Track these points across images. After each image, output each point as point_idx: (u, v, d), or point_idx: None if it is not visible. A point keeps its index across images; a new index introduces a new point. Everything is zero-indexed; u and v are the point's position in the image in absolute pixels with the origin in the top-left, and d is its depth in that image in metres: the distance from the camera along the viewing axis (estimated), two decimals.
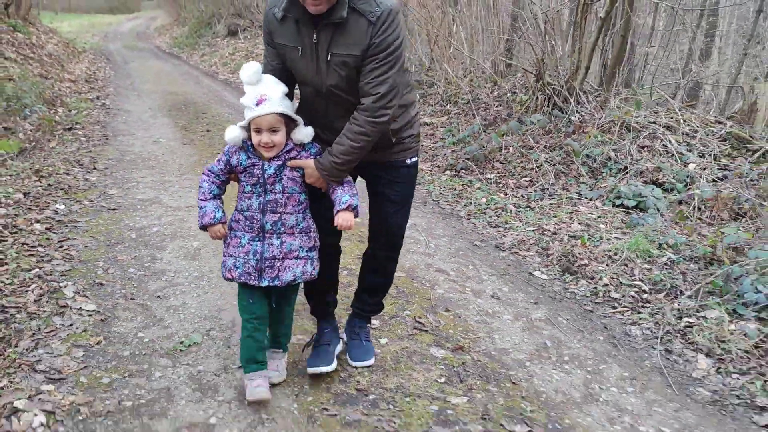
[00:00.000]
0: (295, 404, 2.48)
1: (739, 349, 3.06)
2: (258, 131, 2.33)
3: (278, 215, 2.42)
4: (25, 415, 2.29)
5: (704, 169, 5.72)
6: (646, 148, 6.03)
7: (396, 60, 2.27)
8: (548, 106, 6.91)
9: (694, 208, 4.87)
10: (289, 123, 2.37)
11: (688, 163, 5.82)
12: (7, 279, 3.25)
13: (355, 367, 2.73)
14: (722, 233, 4.17)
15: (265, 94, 2.31)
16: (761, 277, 3.56)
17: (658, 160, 5.78)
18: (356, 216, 2.42)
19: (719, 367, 2.95)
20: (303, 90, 2.49)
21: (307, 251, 2.48)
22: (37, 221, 4.11)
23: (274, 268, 2.42)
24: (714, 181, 5.56)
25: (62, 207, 4.46)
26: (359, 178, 2.63)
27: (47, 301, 3.10)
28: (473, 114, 7.44)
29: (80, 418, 2.31)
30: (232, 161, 2.42)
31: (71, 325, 2.94)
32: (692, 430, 2.49)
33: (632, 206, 5.16)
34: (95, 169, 5.58)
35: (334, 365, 2.65)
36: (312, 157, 2.41)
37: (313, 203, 2.52)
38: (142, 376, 2.61)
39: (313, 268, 2.50)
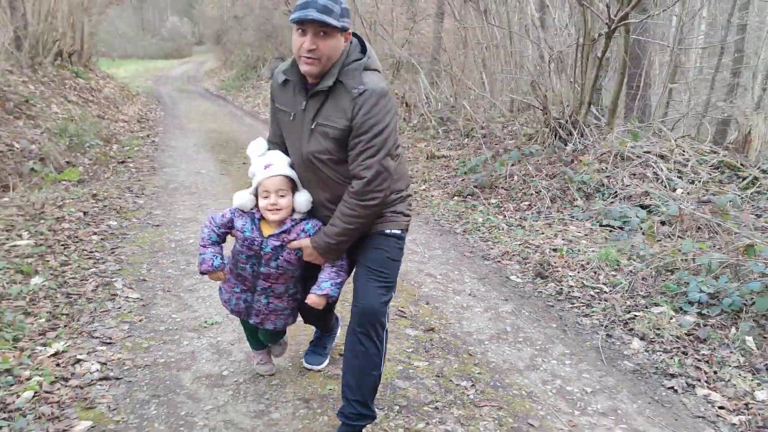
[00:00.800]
0: (290, 363, 3.20)
1: (671, 335, 3.65)
2: (265, 195, 2.47)
3: (269, 284, 2.62)
4: (85, 363, 3.05)
5: (689, 193, 6.27)
6: (637, 176, 6.62)
7: (382, 145, 2.29)
8: (554, 138, 7.58)
9: (666, 225, 5.44)
10: (294, 190, 2.52)
11: (676, 188, 6.38)
12: (71, 274, 4.07)
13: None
14: (681, 245, 4.74)
15: (272, 161, 2.50)
16: (706, 280, 4.13)
17: (647, 186, 6.36)
18: (327, 303, 2.57)
19: (648, 348, 3.54)
20: (291, 157, 2.55)
21: (290, 311, 2.76)
22: (94, 233, 4.97)
23: (259, 316, 2.70)
24: (700, 203, 6.11)
25: (114, 223, 5.33)
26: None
27: (101, 291, 3.91)
28: (487, 146, 8.14)
29: (125, 367, 3.07)
30: (236, 224, 2.56)
31: (120, 308, 3.73)
32: (610, 390, 3.11)
33: (617, 226, 5.75)
34: (143, 194, 6.48)
35: (324, 364, 3.14)
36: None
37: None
38: (173, 344, 3.36)
39: (294, 319, 2.82)
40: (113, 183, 6.87)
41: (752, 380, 3.19)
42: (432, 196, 7.04)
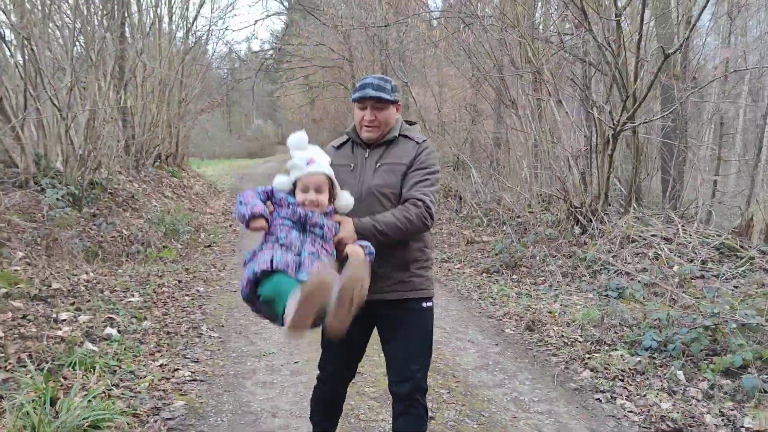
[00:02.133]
0: None
1: (617, 369, 4.79)
2: (305, 190, 2.49)
3: (316, 249, 2.41)
4: (180, 371, 4.51)
5: (680, 268, 7.32)
6: (640, 255, 7.74)
7: (435, 182, 2.74)
8: (574, 224, 8.82)
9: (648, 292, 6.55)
10: (332, 189, 2.56)
11: (673, 266, 7.45)
12: (170, 320, 5.62)
13: None
14: (647, 305, 5.86)
15: (314, 157, 2.54)
16: (657, 332, 5.24)
17: (647, 263, 7.47)
18: (366, 258, 2.50)
19: (594, 376, 4.69)
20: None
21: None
22: (187, 295, 6.55)
23: (313, 263, 2.30)
24: (692, 278, 7.16)
25: (202, 288, 6.91)
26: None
27: (191, 331, 5.42)
28: (517, 232, 9.44)
29: (207, 375, 4.50)
30: (277, 195, 2.53)
31: (204, 342, 5.21)
32: (552, 400, 4.28)
33: (614, 296, 6.87)
34: (224, 269, 8.10)
35: None
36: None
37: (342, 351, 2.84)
38: (241, 364, 4.78)
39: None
40: (201, 261, 8.55)
41: (665, 398, 4.29)
42: (464, 273, 8.35)
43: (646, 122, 8.81)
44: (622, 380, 4.61)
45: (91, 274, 6.54)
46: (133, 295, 6.17)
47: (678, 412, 4.04)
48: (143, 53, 13.46)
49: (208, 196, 16.68)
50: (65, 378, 4.02)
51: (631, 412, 4.11)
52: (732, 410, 4.09)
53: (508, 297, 6.92)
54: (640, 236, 8.08)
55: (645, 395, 4.32)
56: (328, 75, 25.77)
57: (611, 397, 4.33)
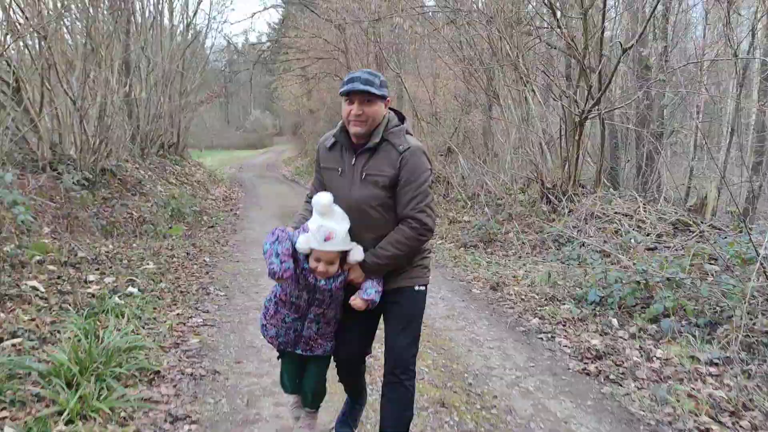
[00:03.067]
0: None
1: (562, 317, 5.72)
2: (317, 260, 2.75)
3: (322, 310, 2.91)
4: (193, 318, 5.45)
5: (639, 242, 8.26)
6: (602, 229, 8.67)
7: (428, 190, 2.82)
8: (545, 203, 9.75)
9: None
10: (345, 253, 2.81)
11: (630, 238, 8.38)
12: (182, 282, 6.57)
13: None
14: (594, 267, 6.80)
15: (334, 231, 2.71)
16: (600, 289, 6.17)
17: (606, 236, 8.40)
18: (369, 307, 2.86)
19: (541, 322, 5.63)
20: (338, 204, 2.83)
21: (333, 335, 3.06)
22: (195, 264, 7.50)
23: (308, 344, 2.99)
24: (648, 249, 8.09)
25: (208, 259, 7.86)
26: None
27: (201, 291, 6.36)
28: (498, 212, 10.37)
29: (217, 321, 5.44)
30: (297, 254, 2.82)
31: (212, 299, 6.15)
32: (503, 338, 5.22)
33: (575, 264, 7.80)
34: (227, 244, 9.05)
35: None
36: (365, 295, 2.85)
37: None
38: (244, 314, 5.72)
39: (332, 346, 3.08)
40: (206, 238, 9.50)
41: (596, 338, 5.23)
42: (444, 247, 9.29)
43: (608, 111, 9.72)
44: (564, 325, 5.56)
45: (110, 247, 7.47)
46: (148, 264, 7.10)
47: (603, 346, 4.99)
48: (147, 48, 14.34)
49: (208, 184, 17.60)
50: (100, 321, 4.96)
51: (565, 347, 5.05)
52: (649, 345, 5.03)
53: (480, 265, 7.87)
54: (603, 213, 9.02)
55: (580, 335, 5.27)
56: (324, 66, 26.58)
57: (551, 336, 5.28)
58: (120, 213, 9.55)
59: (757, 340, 4.83)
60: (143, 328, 4.99)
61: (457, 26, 11.97)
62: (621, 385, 4.33)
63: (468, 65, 13.10)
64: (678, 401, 3.99)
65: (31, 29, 9.66)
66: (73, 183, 9.27)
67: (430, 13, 15.34)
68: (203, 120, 38.50)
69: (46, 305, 5.14)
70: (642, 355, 4.84)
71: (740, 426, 3.75)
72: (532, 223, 9.35)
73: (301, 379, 3.17)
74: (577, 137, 9.40)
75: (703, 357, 4.70)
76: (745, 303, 5.01)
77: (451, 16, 11.99)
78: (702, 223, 8.89)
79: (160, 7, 16.65)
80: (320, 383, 3.19)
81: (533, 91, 10.37)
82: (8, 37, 9.08)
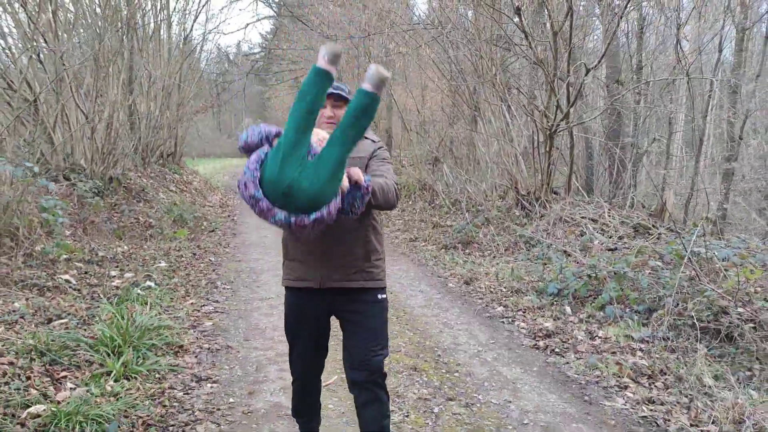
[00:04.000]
0: None
1: (523, 306, 6.69)
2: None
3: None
4: (205, 307, 6.40)
5: (602, 243, 9.25)
6: (568, 232, 9.66)
7: (391, 169, 3.07)
8: (520, 209, 10.74)
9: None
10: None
11: (594, 240, 9.37)
12: (191, 278, 7.50)
13: None
14: (554, 264, 7.78)
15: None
16: (558, 283, 7.15)
17: (572, 239, 9.39)
18: (362, 186, 2.68)
19: (504, 311, 6.60)
20: None
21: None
22: (201, 263, 8.44)
23: None
24: (609, 249, 9.07)
25: (213, 258, 8.81)
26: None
27: (210, 285, 7.31)
28: (476, 216, 11.35)
29: (226, 308, 6.38)
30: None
31: (220, 291, 7.09)
32: (470, 323, 6.18)
33: (541, 262, 8.77)
34: (229, 246, 10.00)
35: None
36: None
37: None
38: (249, 304, 6.66)
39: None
40: (209, 241, 10.44)
41: (550, 322, 6.20)
42: (426, 248, 10.27)
43: (575, 124, 10.72)
44: (524, 312, 6.53)
45: (125, 248, 8.40)
46: (160, 263, 8.04)
47: (554, 327, 5.97)
48: (149, 63, 15.28)
49: (205, 191, 18.52)
50: (128, 308, 5.89)
51: (522, 328, 6.03)
52: (594, 327, 6.01)
53: (456, 264, 8.85)
54: (571, 218, 10.01)
55: (536, 320, 6.25)
56: None
57: (512, 321, 6.26)
58: (128, 218, 10.47)
59: (683, 323, 5.81)
60: (164, 313, 5.92)
61: (440, 44, 12.96)
62: (563, 357, 5.30)
63: (452, 80, 14.12)
64: (606, 367, 4.96)
65: (47, 49, 10.59)
66: (85, 190, 10.20)
67: (420, 25, 16.36)
68: (196, 128, 39.38)
69: (79, 295, 6.07)
70: (586, 335, 5.81)
71: (654, 386, 4.72)
72: (507, 226, 10.33)
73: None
74: (547, 149, 10.40)
75: (636, 336, 5.68)
76: (673, 292, 5.99)
77: (435, 35, 12.98)
78: (660, 226, 9.90)
79: (158, 22, 17.57)
80: None
81: (509, 106, 11.37)
82: (23, 57, 10.02)
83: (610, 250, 9.06)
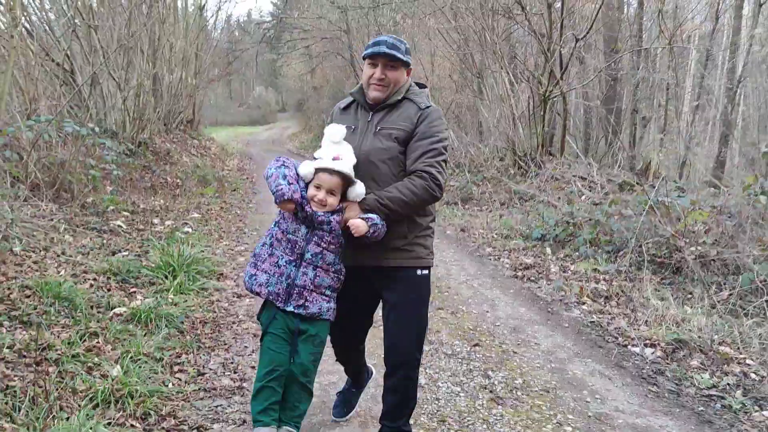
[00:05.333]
0: None
1: (509, 248, 7.85)
2: (317, 187, 2.74)
3: (321, 249, 2.79)
4: (236, 247, 7.60)
5: (588, 198, 10.35)
6: (555, 187, 10.77)
7: (443, 149, 2.79)
8: (516, 168, 11.85)
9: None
10: (346, 187, 2.79)
11: (582, 195, 10.48)
12: (223, 225, 8.71)
13: None
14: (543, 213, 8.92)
15: (342, 155, 2.76)
16: (542, 229, 8.28)
17: (561, 194, 10.50)
18: (368, 234, 2.71)
19: (495, 252, 7.76)
20: None
21: (332, 291, 2.89)
22: (229, 215, 9.66)
23: (302, 296, 2.80)
24: (593, 204, 10.18)
25: (239, 211, 10.03)
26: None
27: (239, 231, 8.52)
28: (477, 176, 12.47)
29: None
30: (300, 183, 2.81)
31: (248, 236, 8.30)
32: (461, 257, 7.35)
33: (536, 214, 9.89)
34: (251, 202, 11.22)
35: (349, 416, 3.45)
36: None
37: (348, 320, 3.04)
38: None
39: (334, 310, 2.92)
40: (233, 198, 11.66)
41: (531, 258, 7.36)
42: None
43: (568, 90, 11.77)
44: (510, 252, 7.70)
45: (161, 201, 9.61)
46: (193, 214, 9.25)
47: (533, 262, 7.14)
48: (171, 34, 16.38)
49: (223, 157, 19.70)
50: (174, 245, 7.09)
51: (506, 263, 7.21)
52: (567, 263, 7.16)
53: (456, 216, 10.01)
54: (562, 176, 11.11)
55: (519, 257, 7.41)
56: (328, 45, 28.50)
57: (498, 258, 7.44)
58: (158, 177, 11.68)
59: (643, 259, 6.95)
60: (204, 251, 7.13)
61: (445, 14, 13.96)
62: (536, 283, 6.49)
63: (458, 49, 15.14)
64: (570, 289, 6.13)
65: (85, 23, 11.69)
66: (120, 153, 11.39)
67: None
68: (208, 97, 40.39)
69: (131, 237, 7.28)
70: (559, 269, 6.98)
71: (608, 304, 5.88)
72: (504, 184, 11.45)
73: (285, 370, 2.87)
74: (542, 113, 11.47)
75: (601, 269, 6.84)
76: (636, 234, 7.12)
77: (440, 5, 13.97)
78: (643, 183, 10.98)
79: None
80: (314, 363, 2.95)
81: (508, 73, 12.42)
82: (61, 30, 11.14)
83: (595, 204, 10.17)
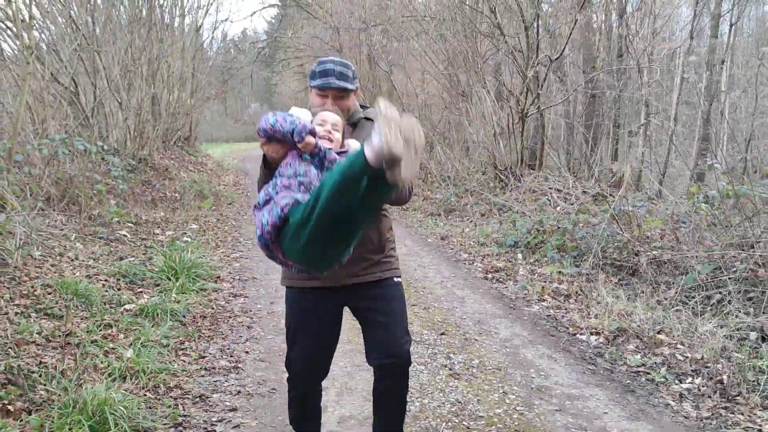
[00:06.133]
0: None
1: (484, 254, 8.56)
2: (322, 124, 2.61)
3: None
4: (233, 254, 8.30)
5: (563, 209, 11.08)
6: (529, 198, 11.49)
7: None
8: (497, 181, 12.59)
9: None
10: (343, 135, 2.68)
11: (557, 206, 11.21)
12: (219, 235, 9.42)
13: None
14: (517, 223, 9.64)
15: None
16: (515, 236, 9.00)
17: (537, 206, 11.22)
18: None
19: (469, 257, 8.47)
20: None
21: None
22: (225, 226, 10.35)
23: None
24: (567, 213, 10.90)
25: (234, 223, 10.73)
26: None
27: (234, 240, 9.22)
28: (459, 188, 13.20)
29: (249, 256, 8.28)
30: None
31: (243, 244, 9.00)
32: (438, 262, 8.07)
33: (510, 225, 10.61)
34: (246, 214, 11.91)
35: None
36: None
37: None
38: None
39: None
40: (229, 210, 12.37)
41: (502, 263, 8.07)
42: (416, 216, 12.16)
43: (545, 107, 12.54)
44: (483, 257, 8.41)
45: (161, 214, 10.32)
46: (192, 225, 9.95)
47: (503, 266, 7.86)
48: (168, 56, 17.16)
49: (219, 172, 20.43)
50: (176, 252, 7.79)
51: (478, 267, 7.92)
52: (535, 266, 7.87)
53: (437, 226, 10.74)
54: (539, 188, 11.85)
55: (491, 262, 8.13)
56: None
57: (472, 262, 8.16)
58: (158, 192, 12.39)
59: (603, 263, 7.66)
60: (201, 257, 7.83)
61: (430, 36, 14.76)
62: (504, 284, 7.20)
63: (444, 70, 15.93)
64: (533, 288, 6.84)
65: (90, 48, 12.44)
66: (121, 169, 12.11)
67: (416, 17, 18.10)
68: (203, 114, 41.16)
69: (135, 245, 7.98)
70: (527, 272, 7.69)
71: (568, 301, 6.58)
72: (485, 197, 12.19)
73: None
74: (521, 129, 12.22)
75: (565, 271, 7.54)
76: (598, 239, 7.84)
77: (426, 28, 14.78)
78: (615, 195, 11.71)
79: (174, 16, 19.42)
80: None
81: (489, 92, 13.20)
82: (71, 52, 11.88)
83: (568, 213, 10.90)
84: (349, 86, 2.84)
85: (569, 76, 16.51)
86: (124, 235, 8.28)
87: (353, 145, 2.65)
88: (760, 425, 3.84)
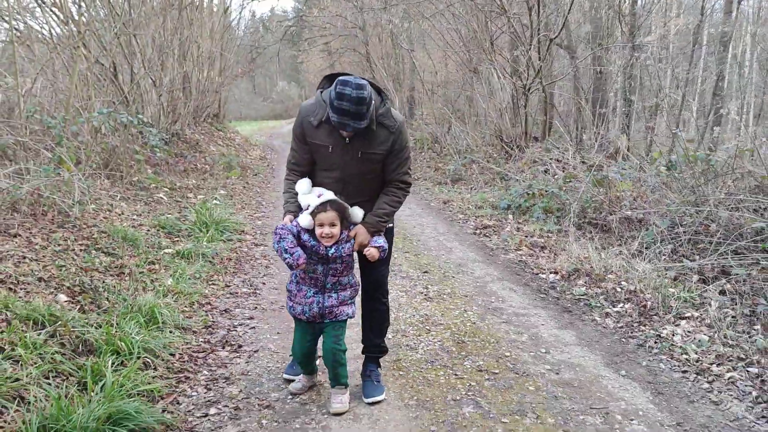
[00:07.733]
0: None
1: (481, 215, 9.70)
2: (321, 225, 3.37)
3: (337, 278, 3.54)
4: (255, 215, 9.56)
5: (559, 177, 12.12)
6: (523, 164, 12.54)
7: (409, 155, 3.64)
8: (503, 153, 13.66)
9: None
10: (342, 215, 3.42)
11: (556, 176, 12.26)
12: (245, 200, 10.68)
13: (368, 403, 3.70)
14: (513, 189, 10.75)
15: (322, 192, 3.43)
16: (509, 200, 10.12)
17: (531, 173, 12.28)
18: (380, 255, 3.52)
19: (468, 218, 9.62)
20: (325, 175, 3.58)
21: (352, 299, 3.66)
22: (250, 192, 11.62)
23: (332, 313, 3.55)
24: (567, 181, 11.96)
25: (258, 190, 11.99)
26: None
27: (257, 204, 10.47)
28: (466, 159, 14.30)
29: (269, 216, 9.53)
30: (302, 237, 3.42)
31: (265, 207, 10.24)
32: (436, 222, 9.23)
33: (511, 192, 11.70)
34: (270, 183, 13.17)
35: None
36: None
37: None
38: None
39: (354, 311, 3.67)
40: (254, 180, 13.65)
41: (493, 221, 9.20)
42: (426, 184, 13.30)
43: (548, 84, 13.53)
44: (477, 218, 9.55)
45: (193, 182, 11.62)
46: (220, 191, 11.23)
47: (493, 224, 9.00)
48: (198, 36, 18.43)
49: (247, 148, 21.76)
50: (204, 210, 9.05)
51: (471, 225, 9.07)
52: (522, 225, 8.99)
53: (443, 193, 11.88)
54: (541, 159, 12.90)
55: (483, 221, 9.27)
56: (344, 42, 30.37)
57: (466, 221, 9.31)
58: (189, 163, 13.71)
59: (582, 222, 8.75)
60: (231, 215, 9.10)
61: (444, 16, 15.79)
62: (490, 238, 8.34)
63: (457, 47, 16.96)
64: (512, 241, 7.98)
65: (126, 31, 13.72)
66: (157, 141, 13.44)
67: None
68: (233, 92, 42.43)
69: (172, 206, 9.27)
70: (515, 229, 8.82)
71: (542, 252, 7.70)
72: (491, 168, 13.28)
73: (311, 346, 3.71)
74: (524, 104, 13.26)
75: (546, 228, 8.66)
76: (577, 200, 8.92)
77: (440, 9, 15.80)
78: (611, 165, 12.71)
79: None
80: (337, 343, 3.57)
81: (495, 69, 14.23)
82: (113, 34, 13.18)
83: (568, 182, 11.95)
84: (365, 124, 3.29)
85: (580, 50, 17.39)
86: (161, 198, 9.58)
87: (359, 231, 3.53)
88: (660, 331, 4.97)
